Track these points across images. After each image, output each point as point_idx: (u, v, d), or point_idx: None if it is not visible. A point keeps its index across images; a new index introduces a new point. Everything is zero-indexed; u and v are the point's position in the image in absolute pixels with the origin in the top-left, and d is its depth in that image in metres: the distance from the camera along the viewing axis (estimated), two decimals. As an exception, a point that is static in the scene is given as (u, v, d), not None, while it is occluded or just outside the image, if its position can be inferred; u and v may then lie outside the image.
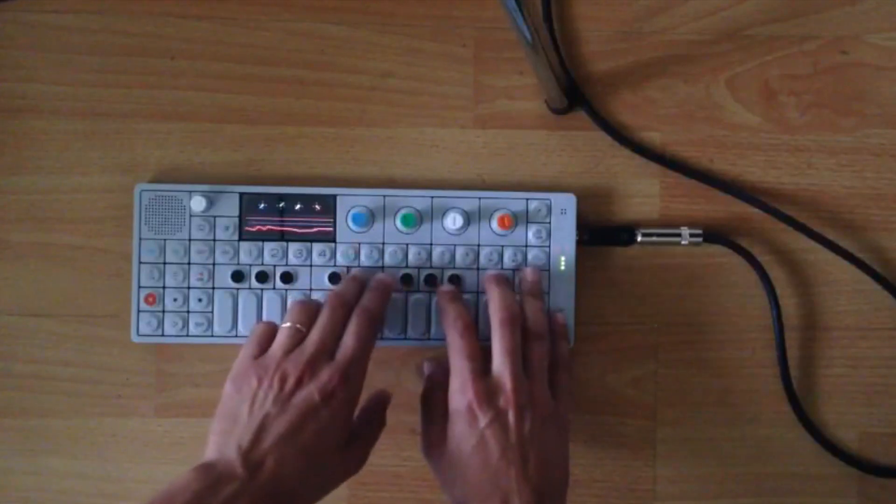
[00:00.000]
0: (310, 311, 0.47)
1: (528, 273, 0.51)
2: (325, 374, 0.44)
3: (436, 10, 0.54)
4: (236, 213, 0.51)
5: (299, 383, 0.44)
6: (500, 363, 0.46)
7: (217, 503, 0.40)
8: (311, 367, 0.44)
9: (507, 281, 0.50)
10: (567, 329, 0.51)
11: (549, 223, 0.52)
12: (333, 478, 0.46)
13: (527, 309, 0.49)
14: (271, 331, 0.47)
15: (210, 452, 0.43)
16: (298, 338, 0.46)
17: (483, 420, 0.44)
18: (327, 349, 0.45)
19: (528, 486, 0.43)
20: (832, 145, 0.54)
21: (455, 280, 0.51)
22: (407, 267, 0.52)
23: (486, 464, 0.44)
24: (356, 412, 0.46)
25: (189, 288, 0.51)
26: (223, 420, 0.44)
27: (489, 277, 0.50)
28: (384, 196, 0.52)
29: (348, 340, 0.46)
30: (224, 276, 0.51)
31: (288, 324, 0.46)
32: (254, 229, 0.51)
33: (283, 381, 0.44)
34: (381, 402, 0.50)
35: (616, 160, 0.54)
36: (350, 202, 0.52)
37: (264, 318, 0.51)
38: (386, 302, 0.49)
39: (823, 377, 0.54)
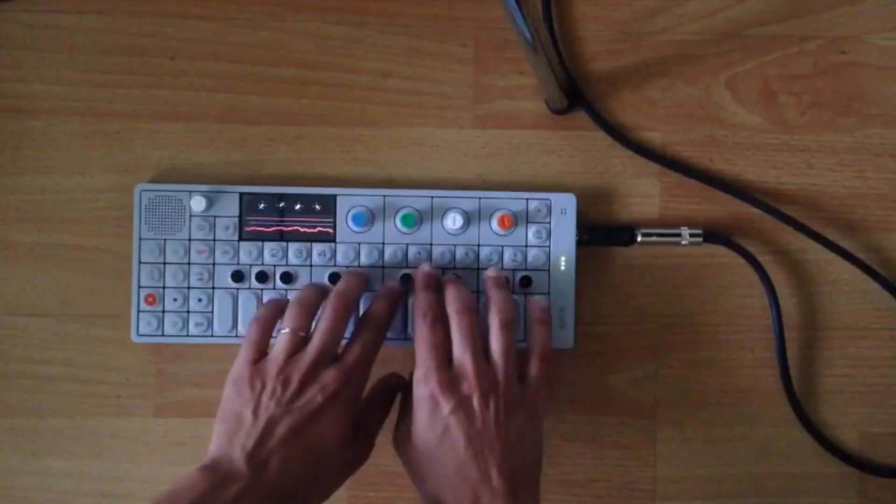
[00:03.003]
0: (309, 314, 0.47)
1: (491, 270, 0.51)
2: (328, 377, 0.44)
3: (436, 10, 0.54)
4: (236, 213, 0.51)
5: (302, 387, 0.44)
6: (458, 349, 0.45)
7: (222, 503, 0.40)
8: (313, 372, 0.44)
9: (461, 281, 0.50)
10: (548, 315, 0.50)
11: (549, 223, 0.52)
12: (339, 474, 0.46)
13: (491, 299, 0.48)
14: (267, 333, 0.47)
15: (214, 452, 0.44)
16: (300, 343, 0.45)
17: (446, 407, 0.44)
18: (329, 353, 0.45)
19: (498, 473, 0.43)
20: (832, 145, 0.54)
21: (455, 280, 0.51)
22: (407, 267, 0.52)
23: (454, 452, 0.43)
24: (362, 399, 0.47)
25: (189, 288, 0.51)
26: (226, 421, 0.44)
27: (444, 280, 0.50)
28: (384, 196, 0.52)
29: (355, 349, 0.46)
30: (224, 276, 0.51)
31: (287, 329, 0.46)
32: (253, 229, 0.51)
33: (285, 385, 0.44)
34: (384, 389, 0.49)
35: (616, 160, 0.54)
36: (350, 202, 0.52)
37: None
38: (395, 309, 0.49)
39: (823, 377, 0.54)
